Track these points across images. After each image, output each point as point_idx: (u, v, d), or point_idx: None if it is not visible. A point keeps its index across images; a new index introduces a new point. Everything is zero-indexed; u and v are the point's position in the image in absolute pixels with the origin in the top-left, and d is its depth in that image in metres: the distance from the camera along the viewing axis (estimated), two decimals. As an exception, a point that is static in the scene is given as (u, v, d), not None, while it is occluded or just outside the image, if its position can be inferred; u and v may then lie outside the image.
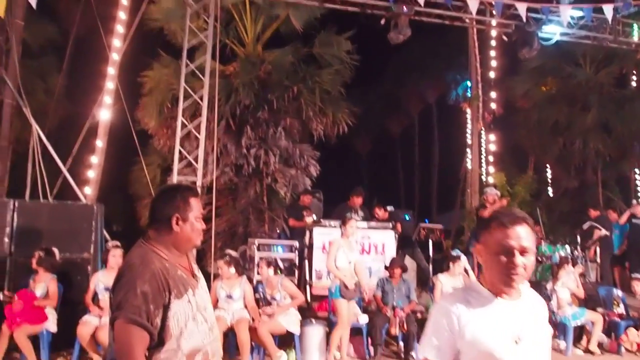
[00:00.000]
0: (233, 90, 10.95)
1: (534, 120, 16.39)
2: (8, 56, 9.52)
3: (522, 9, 9.07)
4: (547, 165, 18.30)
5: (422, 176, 26.94)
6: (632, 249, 10.09)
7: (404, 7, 8.78)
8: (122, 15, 10.05)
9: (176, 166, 8.37)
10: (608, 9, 9.25)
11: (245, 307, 6.17)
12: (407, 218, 10.53)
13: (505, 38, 10.54)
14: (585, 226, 10.19)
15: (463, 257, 7.21)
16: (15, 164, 11.36)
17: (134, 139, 10.00)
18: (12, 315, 5.73)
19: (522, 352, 1.76)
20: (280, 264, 6.96)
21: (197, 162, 8.41)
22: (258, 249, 8.38)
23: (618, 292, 8.26)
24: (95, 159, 10.00)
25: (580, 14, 9.64)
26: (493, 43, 14.71)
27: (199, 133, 8.50)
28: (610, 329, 7.65)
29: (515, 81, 16.61)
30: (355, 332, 6.77)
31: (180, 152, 8.49)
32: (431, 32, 14.02)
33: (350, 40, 11.84)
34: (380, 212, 9.34)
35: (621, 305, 7.99)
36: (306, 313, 7.31)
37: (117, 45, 9.84)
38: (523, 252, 1.76)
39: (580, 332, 7.60)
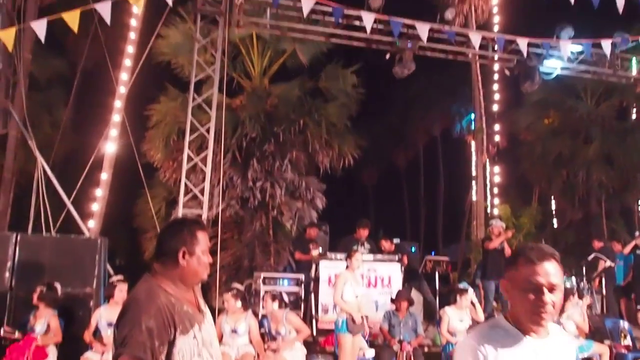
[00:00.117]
0: (239, 123, 11.03)
1: (537, 152, 16.49)
2: (15, 89, 9.63)
3: (523, 44, 9.21)
4: (552, 197, 18.27)
5: (428, 208, 26.93)
6: (637, 280, 10.04)
7: (409, 42, 8.91)
8: (130, 49, 10.24)
9: (182, 199, 8.35)
10: (606, 44, 9.41)
11: (250, 342, 6.06)
12: (413, 250, 10.46)
13: (507, 72, 10.65)
14: (590, 257, 10.14)
15: (470, 290, 7.11)
16: (17, 197, 11.36)
17: (139, 172, 10.01)
18: (13, 356, 5.61)
19: None
20: (286, 298, 6.86)
21: (203, 194, 8.39)
22: (264, 283, 8.29)
23: (625, 324, 8.15)
24: (99, 192, 10.03)
25: (579, 48, 9.80)
26: (496, 77, 14.91)
27: (205, 166, 8.51)
28: (617, 361, 7.50)
29: (518, 114, 16.78)
30: (363, 366, 6.63)
31: (185, 184, 8.48)
32: (435, 66, 14.19)
33: (355, 74, 11.98)
34: (386, 245, 9.27)
35: (628, 337, 7.86)
36: (312, 347, 7.18)
37: (124, 78, 9.98)
38: (552, 289, 1.71)
39: (588, 364, 7.44)
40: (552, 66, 10.04)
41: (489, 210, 15.12)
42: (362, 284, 6.86)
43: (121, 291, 5.95)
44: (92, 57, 12.72)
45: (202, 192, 8.45)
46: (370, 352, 6.64)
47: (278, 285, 8.26)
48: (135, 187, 11.80)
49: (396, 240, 9.57)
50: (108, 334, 5.74)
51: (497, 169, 15.55)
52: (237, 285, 6.60)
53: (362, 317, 6.32)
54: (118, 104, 9.93)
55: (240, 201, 10.98)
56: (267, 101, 11.72)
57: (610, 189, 15.94)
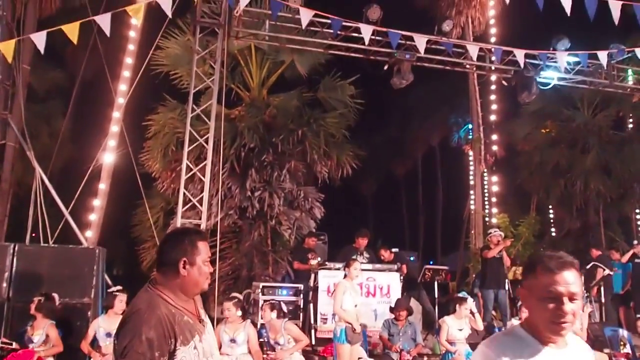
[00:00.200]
0: (238, 133, 11.05)
1: (535, 162, 16.60)
2: (13, 100, 9.66)
3: (520, 55, 9.31)
4: (550, 206, 18.32)
5: (426, 218, 26.98)
6: (636, 289, 10.06)
7: (407, 53, 8.98)
8: (129, 60, 10.27)
9: (180, 209, 8.35)
10: (603, 55, 9.52)
11: (249, 351, 6.04)
12: (412, 260, 10.46)
13: (505, 83, 10.73)
14: (588, 266, 10.16)
15: (470, 300, 7.11)
16: (15, 207, 11.36)
17: (137, 182, 10.01)
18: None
19: None
20: (285, 308, 6.85)
21: (201, 204, 8.39)
22: (262, 292, 8.27)
23: (624, 333, 8.15)
24: (97, 202, 10.02)
25: (576, 59, 9.92)
26: (493, 87, 14.97)
27: (203, 176, 8.52)
28: (617, 369, 7.50)
29: (515, 124, 16.91)
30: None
31: (184, 194, 8.48)
32: (433, 77, 14.27)
33: (354, 84, 12.06)
34: (385, 254, 9.28)
35: (627, 345, 7.85)
36: (311, 357, 7.15)
37: (123, 89, 10.01)
38: (572, 298, 1.67)
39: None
40: (549, 77, 10.14)
41: (487, 220, 15.14)
42: (360, 293, 6.86)
43: (121, 301, 5.94)
44: (91, 69, 12.77)
45: (200, 202, 8.46)
46: (369, 362, 6.64)
47: (277, 295, 8.25)
48: (134, 198, 11.80)
49: (395, 250, 9.59)
50: (107, 343, 5.74)
51: (495, 178, 15.59)
52: (236, 294, 6.59)
53: (360, 325, 6.32)
54: (116, 114, 9.95)
55: (238, 211, 10.99)
56: (266, 112, 11.76)
57: (607, 198, 16.02)
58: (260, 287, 8.44)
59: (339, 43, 9.20)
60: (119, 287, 6.23)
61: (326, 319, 7.95)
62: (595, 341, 7.81)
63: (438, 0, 15.32)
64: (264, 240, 11.06)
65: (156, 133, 11.37)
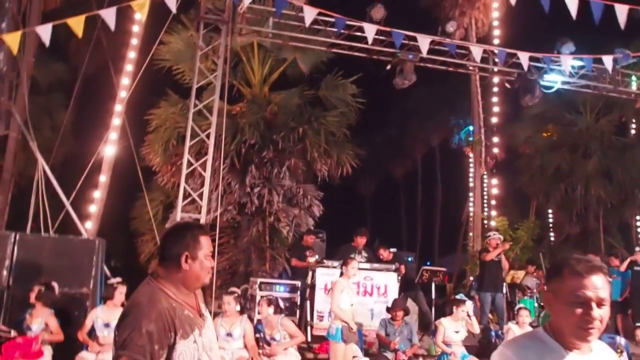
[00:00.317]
0: (239, 129, 11.07)
1: (536, 165, 16.58)
2: (17, 91, 9.67)
3: (524, 58, 9.28)
4: (550, 211, 18.34)
5: (425, 219, 26.98)
6: (634, 297, 10.04)
7: (410, 54, 8.98)
8: (132, 54, 10.29)
9: (180, 203, 8.37)
10: (608, 60, 9.49)
11: (245, 346, 6.07)
12: (410, 260, 10.47)
13: (507, 85, 10.72)
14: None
15: (468, 302, 7.13)
16: (16, 197, 11.38)
17: (137, 175, 10.04)
18: (8, 353, 5.61)
19: None
20: (282, 304, 6.88)
21: (201, 199, 8.41)
22: (260, 288, 8.30)
23: (621, 340, 8.12)
24: (97, 194, 10.04)
25: (580, 63, 9.87)
26: (495, 89, 14.98)
27: (204, 171, 8.54)
28: (615, 378, 7.48)
29: (517, 127, 16.90)
30: (357, 376, 6.63)
31: (184, 189, 8.50)
32: (435, 78, 14.30)
33: (355, 84, 12.06)
34: (384, 253, 9.29)
35: (624, 353, 7.84)
36: (307, 354, 7.18)
37: (125, 83, 10.03)
38: (600, 304, 1.61)
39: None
40: (553, 80, 10.08)
41: (486, 222, 15.15)
42: (355, 292, 6.88)
43: (121, 293, 5.97)
44: (94, 63, 12.78)
45: (200, 196, 8.48)
46: (365, 361, 6.65)
47: (274, 291, 8.27)
48: (134, 191, 11.83)
49: (393, 250, 9.60)
50: (104, 334, 5.77)
51: (495, 181, 15.61)
52: (234, 289, 6.62)
53: (356, 324, 6.34)
54: (119, 108, 9.96)
55: (237, 207, 11.01)
56: (267, 109, 11.78)
57: (608, 204, 16.02)
58: (258, 282, 8.46)
59: (342, 42, 9.20)
60: (118, 279, 6.26)
61: (322, 316, 7.96)
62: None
63: (442, 0, 15.33)
64: (262, 237, 11.09)
65: (157, 127, 11.40)
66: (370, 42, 8.66)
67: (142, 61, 9.91)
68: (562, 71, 9.80)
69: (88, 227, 9.40)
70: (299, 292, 8.48)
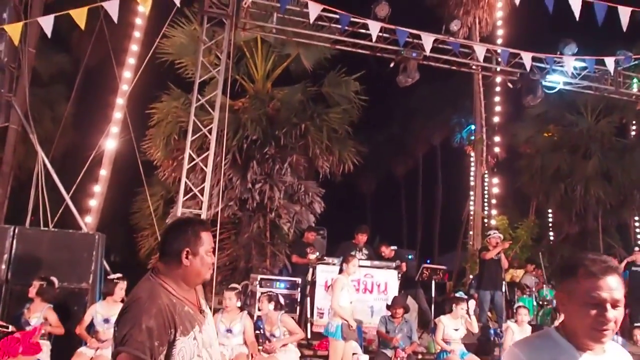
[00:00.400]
0: (241, 125, 11.04)
1: (536, 165, 16.65)
2: (18, 83, 9.63)
3: (527, 58, 9.28)
4: (549, 210, 18.38)
5: (425, 217, 27.01)
6: (632, 297, 10.04)
7: (413, 52, 8.96)
8: (134, 47, 10.25)
9: (181, 198, 8.35)
10: (610, 62, 9.52)
11: (245, 342, 6.06)
12: (410, 258, 10.47)
13: (510, 85, 10.71)
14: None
15: (471, 302, 7.16)
16: (15, 190, 11.35)
17: (138, 170, 10.00)
18: (5, 348, 5.59)
19: None
20: (282, 300, 6.87)
21: (202, 194, 8.39)
22: (260, 285, 8.28)
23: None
24: (98, 188, 10.01)
25: (582, 64, 9.88)
26: (498, 89, 14.98)
27: (205, 166, 8.52)
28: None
29: (518, 127, 16.96)
30: (357, 373, 6.63)
31: (185, 184, 8.48)
32: (437, 76, 14.29)
33: (358, 81, 12.03)
34: (386, 251, 9.28)
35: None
36: (306, 351, 7.17)
37: (127, 76, 9.99)
38: (615, 305, 1.60)
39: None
40: (555, 81, 10.11)
41: (486, 221, 15.17)
42: (355, 289, 6.88)
43: (121, 289, 5.96)
44: (96, 55, 12.74)
45: (201, 192, 8.45)
46: (365, 358, 6.65)
47: (274, 288, 8.26)
48: (134, 185, 11.80)
49: (394, 247, 9.59)
50: (104, 329, 5.75)
51: (495, 180, 15.63)
52: (235, 285, 6.61)
53: (355, 321, 6.34)
54: (120, 101, 9.93)
55: (238, 202, 10.99)
56: (270, 104, 11.75)
57: (607, 204, 16.08)
58: (258, 279, 8.44)
59: (345, 39, 9.18)
60: (119, 275, 6.24)
61: (322, 313, 7.96)
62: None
63: (446, -1, 15.32)
64: (262, 233, 11.07)
65: (159, 121, 11.37)
66: (374, 39, 8.64)
67: (144, 54, 9.87)
68: (565, 72, 9.80)
69: (88, 222, 9.39)
70: (299, 289, 8.47)
